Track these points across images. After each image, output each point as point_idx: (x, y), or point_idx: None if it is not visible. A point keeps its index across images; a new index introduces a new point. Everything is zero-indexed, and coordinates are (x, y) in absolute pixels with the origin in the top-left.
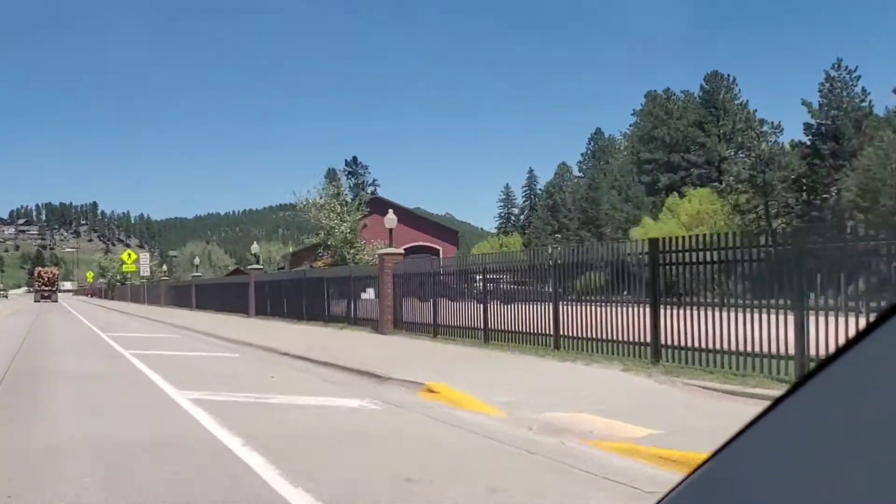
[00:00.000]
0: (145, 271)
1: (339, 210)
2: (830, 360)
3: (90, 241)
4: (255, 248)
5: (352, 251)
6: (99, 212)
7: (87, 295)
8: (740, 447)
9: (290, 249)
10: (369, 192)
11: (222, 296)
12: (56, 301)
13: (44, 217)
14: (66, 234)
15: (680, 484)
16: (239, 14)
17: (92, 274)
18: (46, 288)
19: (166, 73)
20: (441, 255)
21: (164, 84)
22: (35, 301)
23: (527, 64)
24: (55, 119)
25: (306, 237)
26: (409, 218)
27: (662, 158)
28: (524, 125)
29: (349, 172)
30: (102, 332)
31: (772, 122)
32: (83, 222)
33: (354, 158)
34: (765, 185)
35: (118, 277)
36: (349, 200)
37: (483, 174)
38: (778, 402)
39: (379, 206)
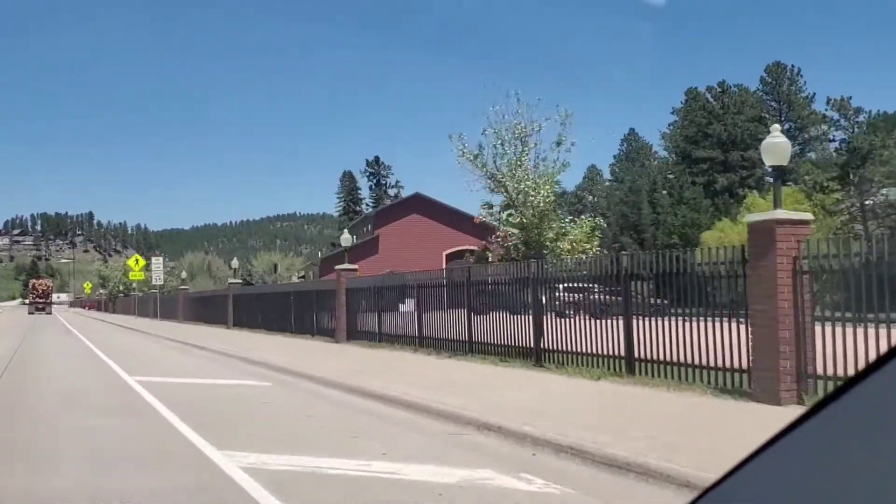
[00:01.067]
0: (158, 279)
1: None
2: (853, 382)
3: (86, 251)
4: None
5: (549, 234)
6: (95, 222)
7: (84, 307)
8: (758, 466)
9: (319, 256)
10: (392, 194)
11: (277, 309)
12: (50, 313)
13: (39, 227)
14: (61, 244)
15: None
16: (236, 27)
17: (90, 284)
18: (41, 300)
19: (163, 81)
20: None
21: (161, 93)
22: (29, 313)
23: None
24: (50, 127)
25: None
26: (454, 219)
27: (718, 157)
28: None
29: (370, 174)
30: (128, 375)
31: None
32: (79, 232)
33: (376, 158)
34: (860, 181)
35: (120, 288)
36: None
37: None
38: (797, 423)
39: (420, 205)
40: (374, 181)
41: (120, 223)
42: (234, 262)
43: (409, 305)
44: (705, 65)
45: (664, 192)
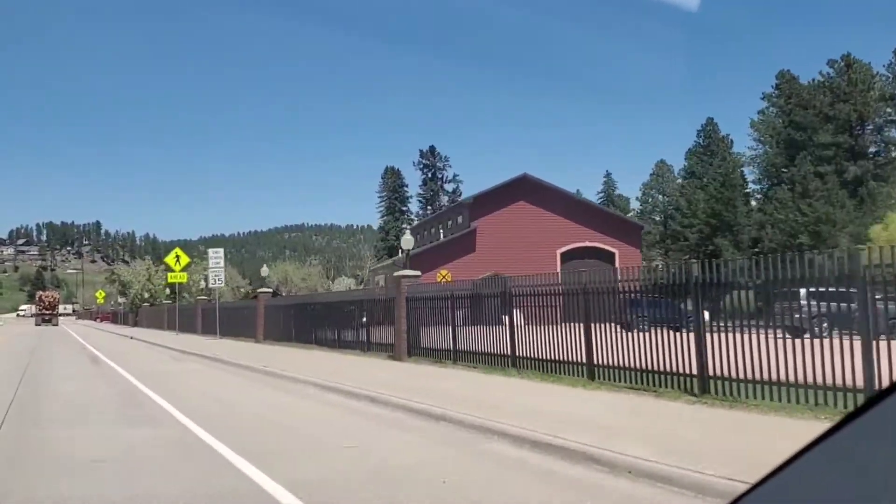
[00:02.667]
0: (218, 280)
1: None
2: (883, 395)
3: (93, 261)
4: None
5: None
6: (102, 231)
7: (96, 319)
8: (788, 476)
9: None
10: (449, 188)
11: (316, 320)
12: (56, 325)
13: (44, 237)
14: (67, 254)
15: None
16: (243, 36)
17: (103, 293)
18: (47, 312)
19: (170, 89)
20: (617, 262)
21: (169, 101)
22: (36, 324)
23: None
24: (56, 135)
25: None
26: (573, 209)
27: (846, 142)
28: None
29: (424, 166)
30: None
31: None
32: (86, 242)
33: (431, 149)
34: None
35: (145, 295)
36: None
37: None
38: (827, 434)
39: (529, 190)
40: (429, 174)
41: (128, 233)
42: (264, 270)
43: (516, 316)
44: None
45: (783, 185)
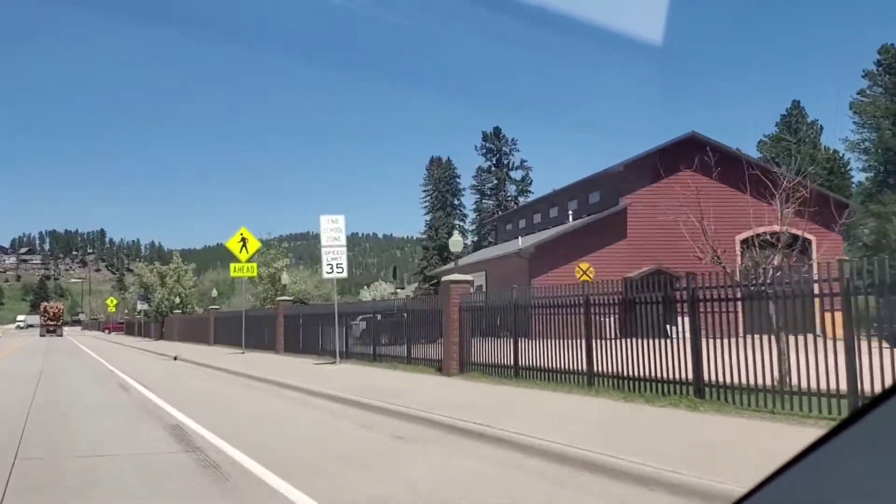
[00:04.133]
0: (338, 270)
1: None
2: (884, 397)
3: (98, 270)
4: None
5: None
6: (107, 239)
7: (104, 330)
8: (786, 481)
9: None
10: (516, 177)
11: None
12: (61, 335)
13: (47, 245)
14: (71, 263)
15: None
16: (249, 41)
17: (115, 301)
18: (52, 322)
19: (174, 97)
20: (814, 254)
21: (173, 109)
22: (41, 335)
23: None
24: (59, 143)
25: None
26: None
27: None
28: None
29: (487, 150)
30: None
31: None
32: (90, 251)
33: (496, 130)
34: None
35: (176, 301)
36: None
37: None
38: (825, 439)
39: (693, 151)
40: (494, 160)
41: (133, 240)
42: (285, 277)
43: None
44: None
45: None
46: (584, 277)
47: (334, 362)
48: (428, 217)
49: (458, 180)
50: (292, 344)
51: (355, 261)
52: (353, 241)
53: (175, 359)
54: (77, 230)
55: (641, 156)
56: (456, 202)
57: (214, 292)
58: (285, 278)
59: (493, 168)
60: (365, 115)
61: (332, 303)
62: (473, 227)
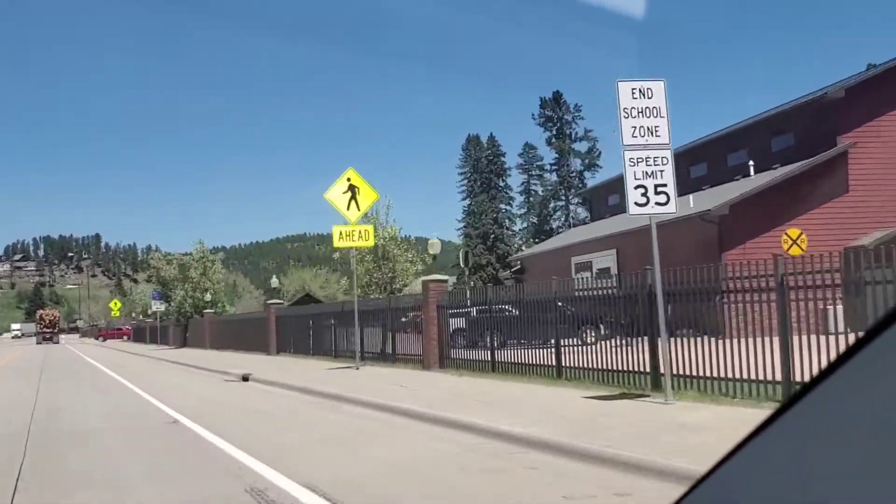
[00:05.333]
0: (660, 195)
1: None
2: (829, 371)
3: (94, 276)
4: None
5: None
6: (103, 244)
7: (97, 337)
8: (742, 460)
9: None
10: (580, 149)
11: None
12: (58, 343)
13: (42, 252)
14: (66, 269)
15: (684, 496)
16: (241, 41)
17: (118, 304)
18: (48, 330)
19: (169, 101)
20: None
21: (167, 112)
22: (38, 343)
23: None
24: (53, 148)
25: None
26: None
27: None
28: None
29: (547, 120)
30: None
31: None
32: (85, 256)
33: (556, 96)
34: None
35: (206, 298)
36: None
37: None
38: (776, 415)
39: None
40: (554, 130)
41: (129, 245)
42: (274, 281)
43: None
44: None
45: None
46: (795, 250)
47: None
48: (466, 202)
49: (503, 159)
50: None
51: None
52: None
53: (245, 379)
54: (72, 235)
55: (867, 76)
56: (501, 184)
57: (275, 281)
58: (434, 245)
59: (553, 139)
60: (364, 116)
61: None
62: (523, 211)
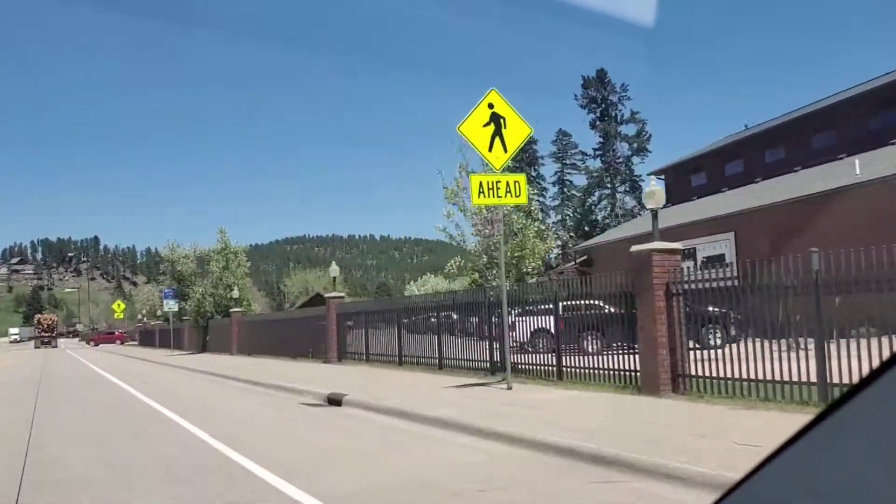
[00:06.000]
0: None
1: None
2: (861, 386)
3: (93, 279)
4: None
5: None
6: (101, 247)
7: (90, 342)
8: (780, 465)
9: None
10: (626, 133)
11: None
12: (56, 346)
13: (39, 255)
14: (64, 272)
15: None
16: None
17: (122, 305)
18: (46, 334)
19: (166, 103)
20: None
21: (164, 115)
22: (35, 347)
23: None
24: (51, 150)
25: None
26: None
27: None
28: None
29: (590, 101)
30: None
31: None
32: (84, 259)
33: (600, 74)
34: None
35: (233, 295)
36: None
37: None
38: (810, 426)
39: None
40: (598, 111)
41: (128, 247)
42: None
43: None
44: None
45: None
46: None
47: None
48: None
49: (534, 147)
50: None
51: (353, 262)
52: (351, 244)
53: (336, 402)
54: (70, 238)
55: None
56: (534, 173)
57: (335, 269)
58: (335, 270)
59: (597, 122)
60: (362, 115)
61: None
62: (556, 203)
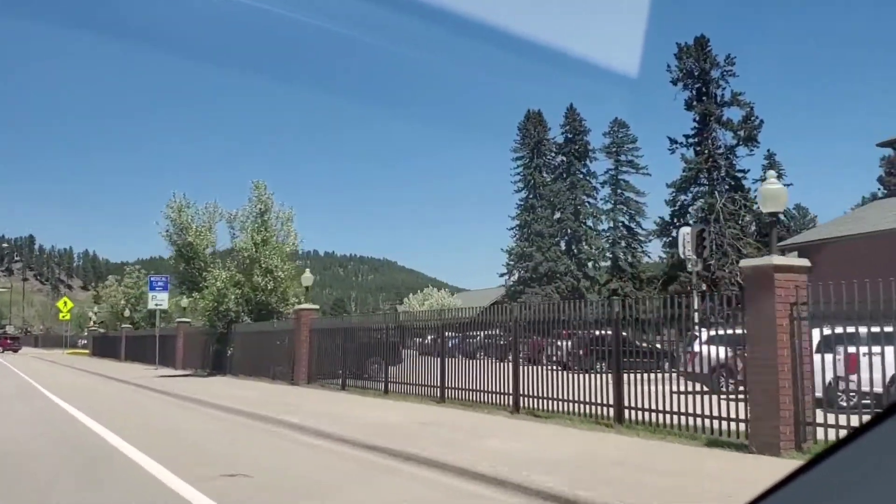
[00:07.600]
0: None
1: None
2: (853, 436)
3: (25, 279)
4: None
5: None
6: (37, 246)
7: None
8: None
9: None
10: (732, 119)
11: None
12: None
13: None
14: None
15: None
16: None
17: (70, 303)
18: None
19: (115, 97)
20: None
21: (112, 110)
22: None
23: None
24: None
25: None
26: None
27: None
28: None
29: (683, 74)
30: None
31: None
32: (17, 258)
33: (699, 41)
34: None
35: (271, 287)
36: None
37: None
38: (799, 472)
39: None
40: (696, 89)
41: (65, 249)
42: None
43: None
44: None
45: None
46: None
47: None
48: (522, 195)
49: (585, 138)
50: None
51: (347, 281)
52: (342, 261)
53: None
54: (4, 235)
55: None
56: (583, 170)
57: (308, 277)
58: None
59: (694, 102)
60: (347, 133)
61: None
62: (609, 206)
